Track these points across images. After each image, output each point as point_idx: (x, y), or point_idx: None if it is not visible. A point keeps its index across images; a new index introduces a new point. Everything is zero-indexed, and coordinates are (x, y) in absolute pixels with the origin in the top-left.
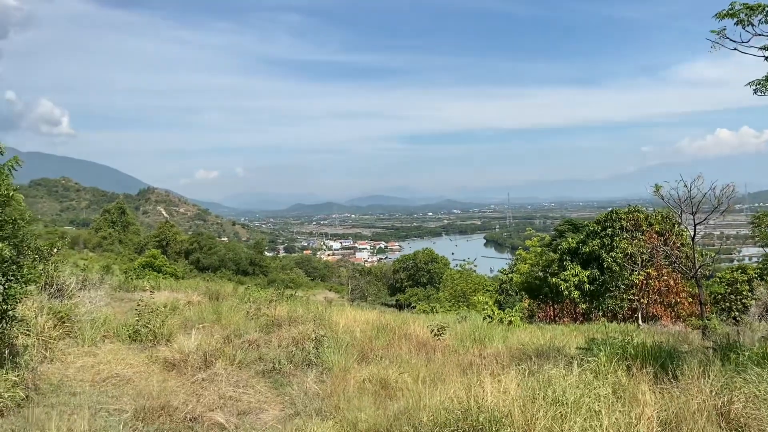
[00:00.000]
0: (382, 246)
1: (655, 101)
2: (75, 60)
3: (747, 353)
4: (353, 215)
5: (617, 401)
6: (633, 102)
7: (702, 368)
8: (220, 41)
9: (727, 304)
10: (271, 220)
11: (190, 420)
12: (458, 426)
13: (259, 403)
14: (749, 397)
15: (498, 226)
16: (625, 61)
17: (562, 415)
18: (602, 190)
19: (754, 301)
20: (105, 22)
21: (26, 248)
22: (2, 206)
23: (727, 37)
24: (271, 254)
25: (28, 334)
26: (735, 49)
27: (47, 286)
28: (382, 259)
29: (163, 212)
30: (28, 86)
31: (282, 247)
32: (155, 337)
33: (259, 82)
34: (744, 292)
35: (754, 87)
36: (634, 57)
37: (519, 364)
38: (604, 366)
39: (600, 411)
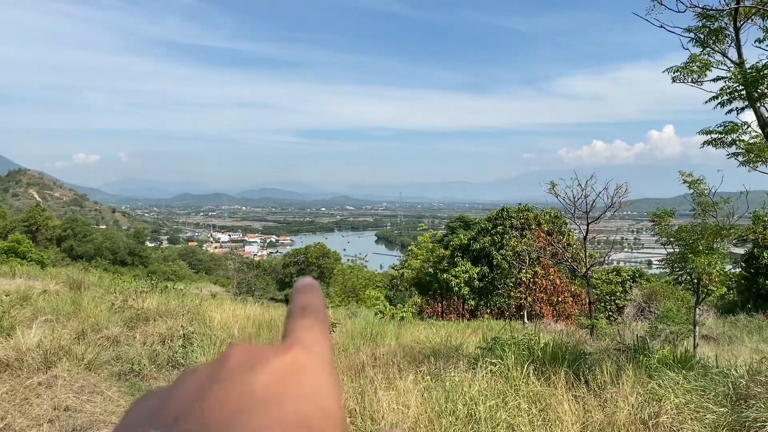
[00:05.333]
0: (273, 240)
1: (536, 111)
2: None
3: (656, 356)
4: (244, 207)
5: (540, 415)
6: (517, 110)
7: (615, 373)
8: (104, 17)
9: (602, 304)
10: (155, 209)
11: None
12: None
13: (105, 414)
14: (672, 407)
15: (389, 224)
16: (511, 71)
17: None
18: (487, 193)
19: (628, 302)
20: None
21: None
22: None
23: (662, 4)
24: (153, 244)
25: None
26: (662, 26)
27: None
28: (272, 253)
29: (36, 196)
30: None
31: (165, 237)
32: None
33: (147, 65)
34: (618, 294)
35: (672, 75)
36: (518, 68)
37: (417, 366)
38: (512, 370)
39: (520, 428)
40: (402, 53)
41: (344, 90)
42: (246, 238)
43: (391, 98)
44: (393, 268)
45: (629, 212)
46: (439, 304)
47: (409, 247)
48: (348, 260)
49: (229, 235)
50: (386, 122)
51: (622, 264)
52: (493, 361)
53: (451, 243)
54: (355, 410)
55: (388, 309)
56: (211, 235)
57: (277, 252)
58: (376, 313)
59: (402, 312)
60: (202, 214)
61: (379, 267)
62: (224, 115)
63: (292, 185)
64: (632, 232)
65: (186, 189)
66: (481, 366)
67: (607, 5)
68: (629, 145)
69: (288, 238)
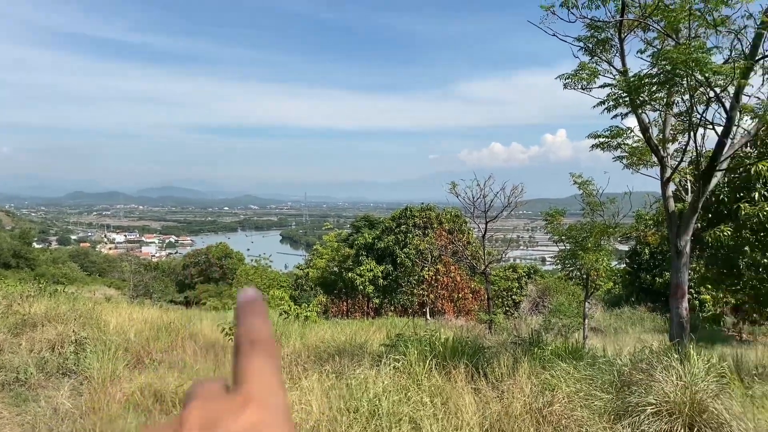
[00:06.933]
0: (173, 240)
1: (442, 113)
2: None
3: (550, 348)
4: (142, 207)
5: (442, 408)
6: (424, 112)
7: (512, 365)
8: None
9: (500, 300)
10: (43, 208)
11: None
12: None
13: None
14: (564, 396)
15: (294, 224)
16: (419, 74)
17: (380, 430)
18: (392, 193)
19: (524, 297)
20: None
21: None
22: None
23: (555, 13)
24: (41, 246)
25: None
26: (554, 35)
27: None
28: (171, 253)
29: None
30: None
31: (55, 238)
32: None
33: (37, 55)
34: (514, 289)
35: (564, 81)
36: (426, 71)
37: (322, 365)
38: (415, 365)
39: (422, 422)
40: (312, 53)
41: (251, 87)
42: (143, 238)
43: (300, 96)
44: (298, 267)
45: (525, 211)
46: (345, 303)
47: (314, 247)
48: (252, 260)
49: (125, 236)
50: (294, 120)
51: (518, 261)
52: (397, 357)
53: (356, 242)
54: None
55: (292, 309)
56: (105, 236)
57: (176, 253)
58: (280, 314)
59: (306, 312)
60: (95, 213)
61: (284, 267)
62: (122, 110)
63: (195, 183)
64: (527, 230)
65: (79, 187)
66: (384, 363)
67: (509, 14)
68: (525, 148)
69: (189, 238)
